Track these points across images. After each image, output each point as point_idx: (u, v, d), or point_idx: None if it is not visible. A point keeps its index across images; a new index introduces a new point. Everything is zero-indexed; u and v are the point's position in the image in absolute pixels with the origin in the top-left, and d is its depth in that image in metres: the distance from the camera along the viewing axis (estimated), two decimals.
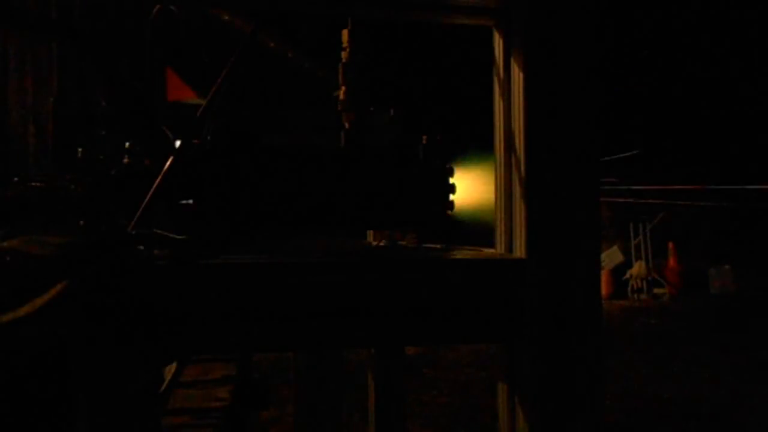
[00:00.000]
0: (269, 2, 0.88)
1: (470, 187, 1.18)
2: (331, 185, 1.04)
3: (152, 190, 0.86)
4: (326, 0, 0.86)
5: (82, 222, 1.00)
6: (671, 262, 9.75)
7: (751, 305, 8.05)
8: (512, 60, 0.87)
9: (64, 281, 0.58)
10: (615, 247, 9.74)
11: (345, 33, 1.14)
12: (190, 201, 1.00)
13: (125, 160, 1.07)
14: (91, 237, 0.74)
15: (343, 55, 1.15)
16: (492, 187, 0.96)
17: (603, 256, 8.22)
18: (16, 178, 0.94)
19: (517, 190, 0.86)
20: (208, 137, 1.00)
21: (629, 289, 9.53)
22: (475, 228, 1.18)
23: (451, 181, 1.10)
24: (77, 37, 0.86)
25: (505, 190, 0.89)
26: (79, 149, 1.11)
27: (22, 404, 0.57)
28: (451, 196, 1.10)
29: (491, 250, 0.96)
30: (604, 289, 8.66)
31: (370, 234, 1.67)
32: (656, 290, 9.51)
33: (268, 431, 3.55)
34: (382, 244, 1.21)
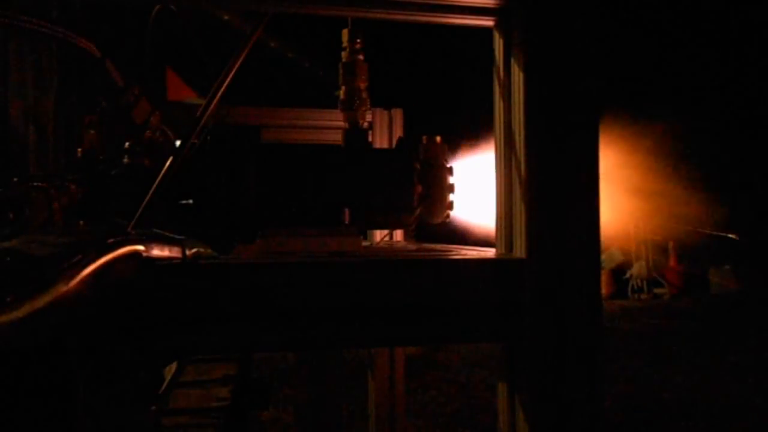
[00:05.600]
0: (269, 2, 0.88)
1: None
2: (330, 184, 1.04)
3: (152, 190, 0.86)
4: (326, 0, 0.86)
5: (82, 222, 1.00)
6: (671, 262, 9.75)
7: (751, 305, 8.04)
8: (512, 60, 0.87)
9: (64, 281, 0.58)
10: (615, 247, 9.74)
11: (345, 33, 1.14)
12: (190, 201, 1.00)
13: (125, 160, 1.08)
14: (91, 237, 0.74)
15: (343, 55, 1.15)
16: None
17: (603, 256, 8.23)
18: (16, 178, 0.94)
19: (517, 190, 0.85)
20: (208, 137, 1.00)
21: (629, 289, 9.54)
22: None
23: (451, 180, 1.10)
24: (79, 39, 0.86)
25: (505, 190, 0.89)
26: (79, 149, 1.11)
27: (21, 405, 0.57)
28: (451, 196, 1.10)
29: (491, 250, 0.96)
30: (604, 289, 8.66)
31: (371, 234, 1.67)
32: (656, 290, 9.51)
33: (268, 431, 3.55)
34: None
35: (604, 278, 8.64)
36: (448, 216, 1.11)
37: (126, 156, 1.07)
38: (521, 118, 0.84)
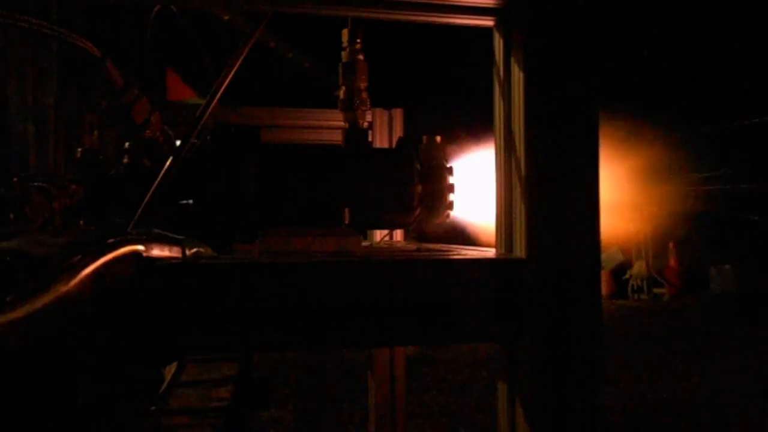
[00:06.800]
0: (269, 2, 0.88)
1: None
2: (331, 184, 1.03)
3: (152, 190, 0.86)
4: (326, 0, 0.86)
5: (82, 222, 1.00)
6: (671, 262, 9.76)
7: (751, 305, 8.04)
8: (512, 60, 0.87)
9: (64, 281, 0.58)
10: (615, 247, 9.75)
11: (345, 33, 1.14)
12: (190, 201, 1.00)
13: (125, 160, 1.08)
14: (91, 237, 0.74)
15: (343, 55, 1.15)
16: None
17: (603, 256, 8.23)
18: (16, 178, 0.94)
19: (517, 190, 0.85)
20: (208, 137, 1.00)
21: (629, 289, 9.55)
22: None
23: (451, 180, 1.10)
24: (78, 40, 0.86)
25: (505, 190, 0.89)
26: (79, 149, 1.11)
27: (22, 405, 0.57)
28: (451, 196, 1.10)
29: (491, 250, 0.96)
30: (604, 289, 8.67)
31: (371, 234, 1.67)
32: (656, 290, 9.52)
33: (268, 431, 3.55)
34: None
35: (604, 278, 8.64)
36: (448, 216, 1.11)
37: (126, 156, 1.07)
38: (521, 118, 0.84)
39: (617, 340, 5.93)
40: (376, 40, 1.35)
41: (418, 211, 1.08)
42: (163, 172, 0.88)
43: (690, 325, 6.95)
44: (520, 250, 0.84)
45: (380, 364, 1.92)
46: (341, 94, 1.14)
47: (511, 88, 0.87)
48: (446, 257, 0.90)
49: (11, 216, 0.83)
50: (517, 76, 0.85)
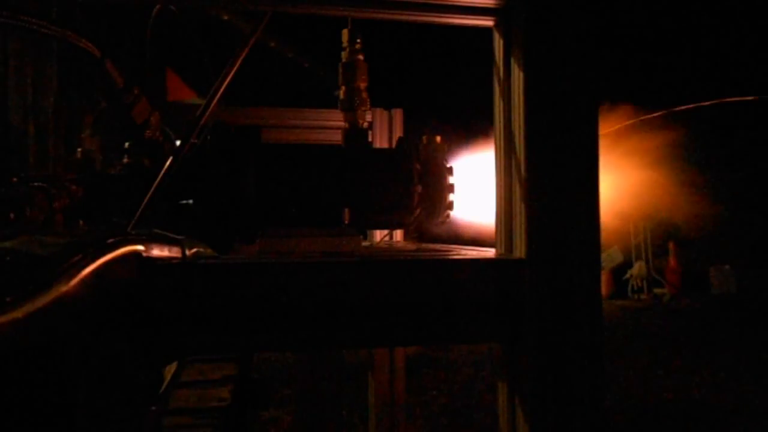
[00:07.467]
0: (269, 2, 0.88)
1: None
2: (330, 184, 1.03)
3: (152, 190, 0.86)
4: (326, 0, 0.86)
5: (82, 222, 1.00)
6: (671, 262, 9.75)
7: (751, 305, 8.04)
8: (512, 60, 0.87)
9: (64, 281, 0.57)
10: (615, 247, 9.75)
11: (345, 33, 1.14)
12: (190, 201, 1.00)
13: (125, 160, 1.08)
14: (91, 237, 0.74)
15: (343, 55, 1.15)
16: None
17: (603, 256, 8.21)
18: (15, 178, 0.94)
19: (517, 191, 0.85)
20: (208, 137, 1.00)
21: (629, 289, 9.54)
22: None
23: (451, 180, 1.10)
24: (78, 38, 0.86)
25: (505, 190, 0.89)
26: (79, 149, 1.11)
27: (22, 405, 0.57)
28: (451, 196, 1.10)
29: (491, 250, 0.96)
30: (604, 289, 8.66)
31: (371, 234, 1.67)
32: (656, 290, 9.52)
33: (268, 431, 3.55)
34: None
35: (604, 278, 8.64)
36: (448, 216, 1.11)
37: (126, 156, 1.07)
38: (521, 118, 0.84)
39: (617, 340, 5.93)
40: (376, 40, 1.35)
41: (418, 211, 1.08)
42: (163, 172, 0.88)
43: (690, 325, 6.95)
44: (520, 250, 0.84)
45: (380, 364, 1.92)
46: (341, 94, 1.14)
47: (511, 88, 0.87)
48: (446, 257, 0.90)
49: (11, 216, 0.83)
50: (517, 76, 0.85)
